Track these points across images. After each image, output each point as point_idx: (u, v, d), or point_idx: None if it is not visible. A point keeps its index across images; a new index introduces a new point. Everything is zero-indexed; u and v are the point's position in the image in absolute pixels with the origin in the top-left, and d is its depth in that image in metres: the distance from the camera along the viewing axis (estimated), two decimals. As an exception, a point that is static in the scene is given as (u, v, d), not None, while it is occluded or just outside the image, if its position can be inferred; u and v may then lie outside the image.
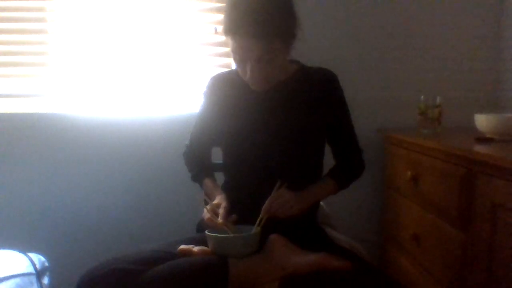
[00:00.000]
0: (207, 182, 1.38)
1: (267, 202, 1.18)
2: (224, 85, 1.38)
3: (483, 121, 1.56)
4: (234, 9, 1.16)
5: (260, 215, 1.17)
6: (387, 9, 2.04)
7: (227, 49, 2.04)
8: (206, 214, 1.22)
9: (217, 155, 1.46)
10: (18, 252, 1.48)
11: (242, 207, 1.26)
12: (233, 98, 1.34)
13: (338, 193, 1.39)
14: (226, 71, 1.44)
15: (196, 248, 1.13)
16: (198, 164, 1.45)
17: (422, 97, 1.76)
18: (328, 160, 1.40)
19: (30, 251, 1.51)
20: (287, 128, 1.29)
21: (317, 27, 2.01)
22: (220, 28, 1.24)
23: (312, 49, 1.93)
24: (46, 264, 1.52)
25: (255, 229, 1.15)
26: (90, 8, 1.98)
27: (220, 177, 1.43)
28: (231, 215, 1.19)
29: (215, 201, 1.23)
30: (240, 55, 1.20)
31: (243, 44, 1.16)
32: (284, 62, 1.29)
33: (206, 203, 1.22)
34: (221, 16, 2.01)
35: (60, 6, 1.98)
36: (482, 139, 1.49)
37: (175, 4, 2.00)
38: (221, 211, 1.18)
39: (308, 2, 1.98)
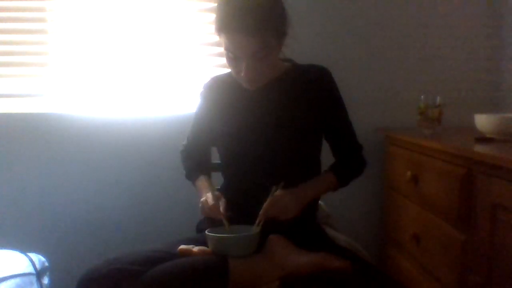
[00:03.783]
0: (202, 179, 1.37)
1: (264, 206, 1.17)
2: (222, 87, 1.38)
3: (483, 121, 1.55)
4: (227, 5, 1.17)
5: (258, 219, 1.16)
6: (388, 8, 2.04)
7: (227, 49, 2.04)
8: (205, 205, 1.22)
9: (216, 156, 1.46)
10: (18, 252, 1.49)
11: (241, 207, 1.26)
12: (229, 99, 1.34)
13: (337, 190, 1.37)
14: (226, 73, 1.44)
15: (196, 248, 1.13)
16: (194, 162, 1.44)
17: (422, 97, 1.76)
18: (327, 157, 1.39)
19: (30, 251, 1.51)
20: (282, 126, 1.28)
21: (317, 27, 2.01)
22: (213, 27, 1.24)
23: (311, 48, 1.95)
24: (46, 264, 1.52)
25: (255, 229, 1.15)
26: (90, 8, 1.98)
27: (219, 177, 1.43)
28: (229, 212, 1.20)
29: (216, 193, 1.23)
30: (233, 53, 1.19)
31: (237, 40, 1.16)
32: (276, 60, 1.29)
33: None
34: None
35: (60, 6, 1.98)
36: (482, 139, 1.49)
37: (174, 4, 2.00)
38: (222, 204, 1.19)
39: (308, 1, 1.99)
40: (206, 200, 1.22)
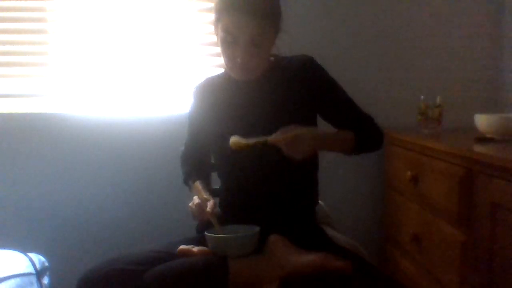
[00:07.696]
0: (196, 185, 1.32)
1: (281, 138, 1.12)
2: (213, 88, 1.38)
3: (483, 121, 1.56)
4: None
5: (267, 139, 1.13)
6: (387, 8, 2.04)
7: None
8: (192, 207, 1.20)
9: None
10: (18, 252, 1.49)
11: (238, 207, 1.26)
12: (221, 99, 1.34)
13: (350, 154, 1.30)
14: (216, 75, 1.43)
15: (196, 248, 1.13)
16: (190, 166, 1.42)
17: (422, 97, 1.76)
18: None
19: (30, 251, 1.51)
20: (275, 121, 1.25)
21: (316, 27, 2.00)
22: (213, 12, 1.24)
23: (311, 48, 1.93)
24: (46, 264, 1.52)
25: (254, 228, 1.15)
26: (90, 8, 1.98)
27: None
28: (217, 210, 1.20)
29: (205, 197, 1.21)
30: (233, 34, 1.19)
31: (240, 20, 1.17)
32: (269, 52, 1.29)
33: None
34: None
35: (60, 6, 1.98)
36: (482, 139, 1.49)
37: (174, 4, 2.00)
38: (209, 203, 1.17)
39: (309, 0, 1.98)
40: (193, 203, 1.21)
